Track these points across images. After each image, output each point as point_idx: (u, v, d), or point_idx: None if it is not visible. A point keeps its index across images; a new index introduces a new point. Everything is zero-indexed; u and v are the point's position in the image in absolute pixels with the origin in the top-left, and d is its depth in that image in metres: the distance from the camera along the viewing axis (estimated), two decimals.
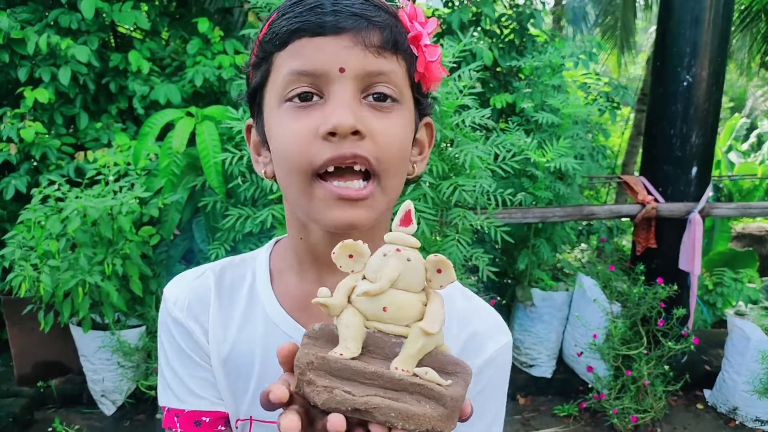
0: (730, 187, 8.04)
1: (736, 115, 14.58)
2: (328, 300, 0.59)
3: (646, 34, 14.64)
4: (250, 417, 0.88)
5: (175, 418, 0.90)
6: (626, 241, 6.55)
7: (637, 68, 14.77)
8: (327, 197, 0.73)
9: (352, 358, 0.58)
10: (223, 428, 0.90)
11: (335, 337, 0.60)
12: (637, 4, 9.94)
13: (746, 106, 17.30)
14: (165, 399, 0.92)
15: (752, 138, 13.79)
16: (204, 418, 0.89)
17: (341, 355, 0.58)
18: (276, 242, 0.96)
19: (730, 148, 11.72)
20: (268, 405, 0.58)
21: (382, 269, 0.58)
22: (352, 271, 0.61)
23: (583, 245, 4.94)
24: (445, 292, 0.90)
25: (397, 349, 0.59)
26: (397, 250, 0.59)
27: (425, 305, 0.59)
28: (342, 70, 0.72)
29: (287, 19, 0.74)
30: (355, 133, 0.71)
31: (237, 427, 0.90)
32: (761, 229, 6.93)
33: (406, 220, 0.60)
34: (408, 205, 0.61)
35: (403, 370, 0.57)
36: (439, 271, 0.59)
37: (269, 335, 0.86)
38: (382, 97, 0.74)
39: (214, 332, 0.89)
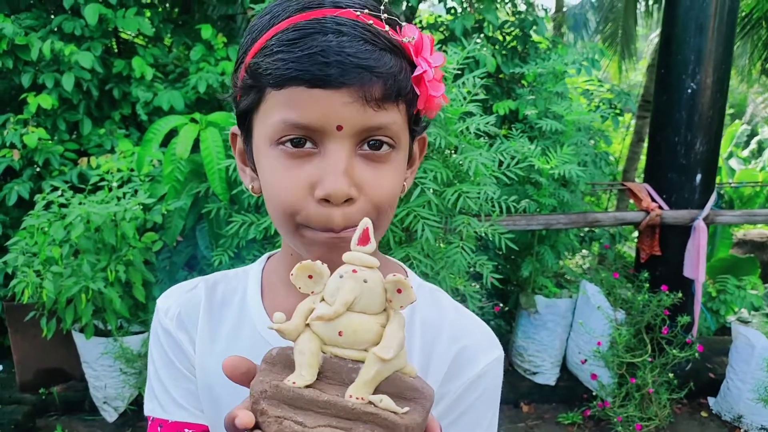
0: (730, 194, 8.05)
1: (737, 121, 14.60)
2: (282, 326, 0.58)
3: (646, 41, 14.67)
4: None
5: (159, 428, 0.91)
6: (627, 248, 6.55)
7: (637, 75, 14.80)
8: (315, 240, 0.74)
9: (307, 386, 0.56)
10: None
11: (292, 362, 0.59)
12: (638, 12, 9.96)
13: (747, 113, 17.32)
14: (150, 408, 0.93)
15: (753, 145, 13.82)
16: (186, 430, 0.90)
17: (294, 383, 0.56)
18: (269, 257, 0.96)
19: (730, 155, 11.73)
20: (233, 429, 0.57)
21: (338, 291, 0.57)
22: (312, 293, 0.60)
23: (585, 251, 4.93)
24: (438, 306, 0.92)
25: (353, 375, 0.57)
26: (354, 271, 0.57)
27: (384, 327, 0.57)
28: (340, 128, 0.69)
29: (284, 62, 0.68)
30: (348, 198, 0.70)
31: None
32: (762, 236, 6.92)
33: (364, 239, 0.58)
34: (365, 223, 0.59)
35: (357, 398, 0.56)
36: (399, 291, 0.57)
37: (257, 349, 0.85)
38: (377, 145, 0.72)
39: (201, 344, 0.89)
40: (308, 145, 0.71)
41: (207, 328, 0.90)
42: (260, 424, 0.56)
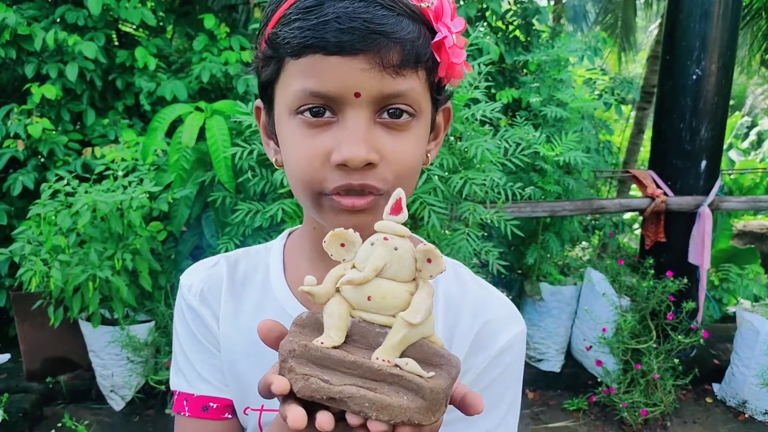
0: (730, 184, 8.06)
1: (737, 113, 14.61)
2: (312, 288, 0.59)
3: (646, 32, 14.65)
4: (262, 406, 0.88)
5: (185, 402, 0.92)
6: (627, 239, 6.56)
7: (636, 66, 14.79)
8: (335, 208, 0.74)
9: (334, 347, 0.58)
10: (229, 416, 0.92)
11: (322, 325, 0.60)
12: (637, 3, 9.94)
13: (746, 104, 17.31)
14: (176, 382, 0.94)
15: (752, 136, 13.81)
16: (212, 404, 0.91)
17: (322, 343, 0.58)
18: (290, 233, 0.97)
19: (730, 146, 11.74)
20: (268, 395, 0.58)
21: (368, 258, 0.58)
22: (344, 260, 0.60)
23: (585, 243, 4.93)
24: (460, 281, 0.93)
25: (380, 339, 0.58)
26: (385, 239, 0.58)
27: (413, 294, 0.58)
28: (357, 95, 0.69)
29: (300, 29, 0.68)
30: (367, 164, 0.70)
31: (246, 415, 0.90)
32: (762, 227, 6.93)
33: (396, 209, 0.59)
34: (399, 193, 0.60)
35: (383, 360, 0.56)
36: (429, 260, 0.58)
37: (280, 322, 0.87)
38: (397, 113, 0.72)
39: (225, 320, 0.91)
40: (327, 114, 0.71)
41: (230, 304, 0.91)
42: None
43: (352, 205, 0.72)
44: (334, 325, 0.59)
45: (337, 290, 0.59)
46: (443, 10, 0.72)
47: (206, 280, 0.93)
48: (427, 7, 0.71)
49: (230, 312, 0.91)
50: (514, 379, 0.90)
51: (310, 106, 0.71)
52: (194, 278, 0.94)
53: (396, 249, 0.57)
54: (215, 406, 0.91)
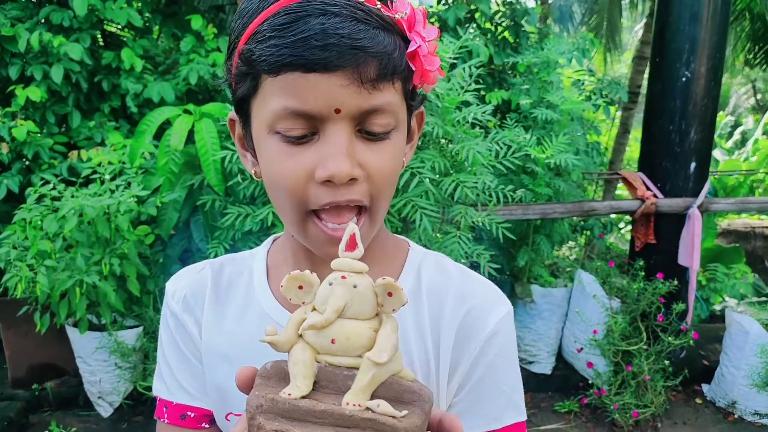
0: (714, 184, 8.11)
1: (721, 113, 14.74)
2: (274, 338, 0.58)
3: (631, 33, 14.74)
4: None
5: (165, 409, 0.94)
6: (614, 238, 6.58)
7: (622, 66, 14.88)
8: (320, 236, 0.74)
9: (303, 397, 0.56)
10: (206, 425, 0.93)
11: (287, 374, 0.58)
12: (622, 3, 10.00)
13: (730, 104, 17.49)
14: (158, 388, 0.96)
15: (736, 135, 13.95)
16: (189, 413, 0.92)
17: (290, 395, 0.56)
18: (274, 240, 0.97)
19: (714, 146, 11.82)
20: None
21: (328, 299, 0.56)
22: (303, 303, 0.59)
23: (572, 243, 4.94)
24: (442, 271, 0.92)
25: (349, 382, 0.56)
26: (343, 277, 0.56)
27: (377, 331, 0.57)
28: (338, 111, 0.68)
29: (277, 47, 0.67)
30: (351, 179, 0.70)
31: (228, 421, 0.90)
32: (746, 226, 6.98)
33: (351, 245, 0.58)
34: (352, 229, 0.59)
35: (354, 405, 0.55)
36: (389, 294, 0.56)
37: (262, 327, 0.86)
38: (377, 127, 0.72)
39: (207, 327, 0.91)
40: (308, 133, 0.70)
41: (213, 308, 0.91)
42: None
43: (339, 237, 0.72)
44: (299, 373, 0.57)
45: (300, 335, 0.58)
46: (415, 19, 0.72)
47: (190, 286, 0.93)
48: (401, 17, 0.71)
49: (213, 317, 0.91)
50: (510, 360, 0.90)
51: (294, 134, 0.70)
52: (179, 284, 0.94)
53: (355, 287, 0.56)
54: (193, 415, 0.92)
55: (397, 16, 0.71)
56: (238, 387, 0.62)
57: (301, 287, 0.59)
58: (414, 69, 0.73)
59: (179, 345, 0.92)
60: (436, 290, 0.88)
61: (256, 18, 0.70)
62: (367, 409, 0.55)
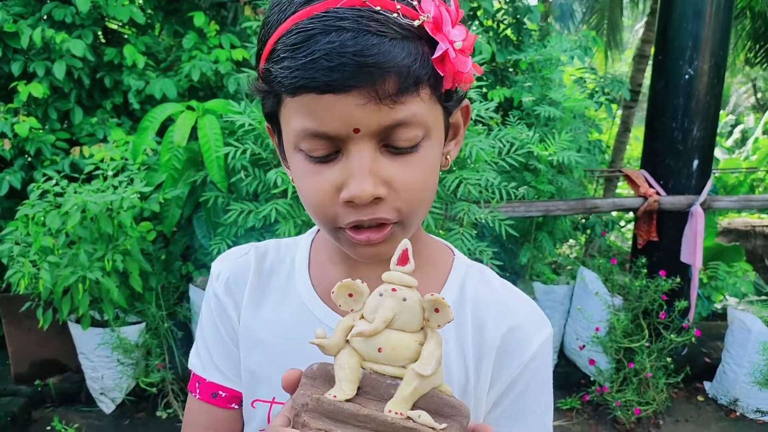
0: (715, 183, 8.11)
1: (721, 112, 14.74)
2: (323, 341, 0.60)
3: (632, 31, 14.74)
4: (273, 398, 0.89)
5: (197, 384, 0.95)
6: (614, 237, 6.58)
7: (622, 65, 14.88)
8: (350, 242, 0.74)
9: (347, 400, 0.58)
10: (235, 406, 0.94)
11: (333, 376, 0.60)
12: (623, 2, 9.99)
13: (730, 103, 17.50)
14: (193, 363, 0.97)
15: (736, 134, 13.96)
16: (221, 392, 0.93)
17: (335, 397, 0.58)
18: (318, 230, 0.96)
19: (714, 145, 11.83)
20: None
21: (377, 309, 0.58)
22: (352, 310, 0.61)
23: (572, 241, 4.94)
24: (488, 284, 0.92)
25: (392, 391, 0.58)
26: (393, 290, 0.58)
27: (422, 345, 0.59)
28: (357, 130, 0.67)
29: (289, 69, 0.65)
30: (376, 198, 0.69)
31: (254, 408, 0.91)
32: (746, 225, 6.99)
33: (403, 259, 0.60)
34: (405, 244, 0.60)
35: (396, 413, 0.57)
36: (436, 310, 0.58)
37: (301, 320, 0.87)
38: (401, 141, 0.69)
39: (246, 311, 0.91)
40: (330, 149, 0.69)
41: (254, 294, 0.92)
42: None
43: (367, 240, 0.73)
44: (345, 377, 0.59)
45: (347, 341, 0.60)
46: (442, 19, 0.68)
47: (233, 269, 0.94)
48: (424, 21, 0.67)
49: (253, 303, 0.92)
50: (546, 381, 0.90)
51: (316, 155, 0.70)
52: (223, 266, 0.95)
53: (404, 300, 0.58)
54: (224, 395, 0.93)
55: (417, 21, 0.66)
56: (283, 387, 0.63)
57: (351, 295, 0.61)
58: (443, 74, 0.69)
59: (218, 326, 0.94)
60: (480, 304, 0.88)
61: (274, 33, 0.69)
62: (408, 418, 0.57)
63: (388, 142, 0.69)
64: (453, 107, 0.78)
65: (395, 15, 0.66)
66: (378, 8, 0.65)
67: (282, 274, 0.93)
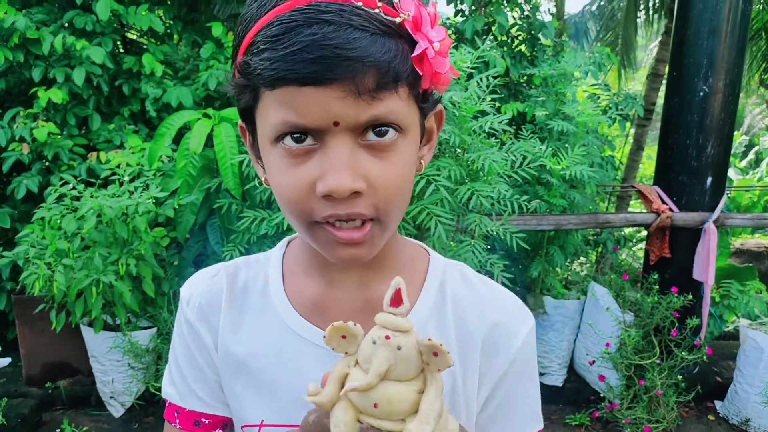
0: (727, 203, 8.06)
1: (735, 132, 14.68)
2: (316, 398, 0.57)
3: (646, 51, 14.75)
4: (261, 421, 0.87)
5: (176, 414, 0.91)
6: (625, 255, 6.55)
7: (636, 84, 14.89)
8: (329, 240, 0.72)
9: None
10: (220, 431, 0.91)
11: (329, 430, 0.58)
12: (638, 21, 10.00)
13: (744, 124, 17.42)
14: (169, 393, 0.93)
15: (751, 155, 13.89)
16: (204, 420, 0.90)
17: None
18: (289, 242, 0.95)
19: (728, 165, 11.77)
20: None
21: (371, 360, 0.56)
22: (346, 353, 0.59)
23: (583, 259, 4.92)
24: (467, 282, 0.91)
25: None
26: (387, 337, 0.55)
27: (421, 393, 0.56)
28: (336, 123, 0.66)
29: (270, 61, 0.65)
30: (354, 192, 0.68)
31: None
32: (759, 245, 6.94)
33: (396, 300, 0.57)
34: (398, 283, 0.57)
35: None
36: (435, 354, 0.55)
37: (282, 337, 0.86)
38: (381, 132, 0.69)
39: (224, 334, 0.89)
40: (308, 141, 0.69)
41: (230, 316, 0.89)
42: None
43: (349, 239, 0.71)
44: None
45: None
46: (422, 19, 0.69)
47: (205, 293, 0.91)
48: (405, 18, 0.67)
49: (230, 325, 0.89)
50: (533, 371, 0.91)
51: (292, 143, 0.69)
52: (193, 291, 0.92)
53: (399, 348, 0.55)
54: (207, 422, 0.91)
55: (399, 18, 0.67)
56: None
57: (344, 337, 0.58)
58: (422, 73, 0.70)
59: (193, 353, 0.91)
60: (460, 301, 0.88)
61: (252, 27, 0.68)
62: None
63: (365, 138, 0.69)
64: (428, 110, 0.78)
65: (377, 11, 0.66)
66: (360, 4, 0.65)
67: (256, 291, 0.90)
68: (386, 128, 0.69)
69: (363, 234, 0.71)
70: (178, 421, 0.91)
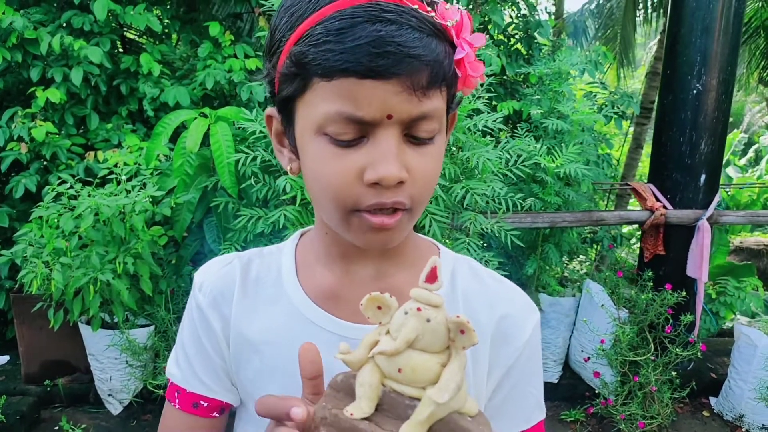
0: (727, 200, 8.08)
1: (735, 130, 14.68)
2: (346, 356, 0.60)
3: (644, 49, 14.76)
4: None
5: (176, 394, 0.94)
6: (624, 253, 6.57)
7: (635, 82, 14.88)
8: (363, 226, 0.75)
9: (364, 418, 0.58)
10: (217, 415, 0.93)
11: (355, 390, 0.60)
12: (636, 19, 10.01)
13: (743, 122, 17.42)
14: (173, 372, 0.95)
15: (750, 153, 13.89)
16: (202, 402, 0.92)
17: (351, 414, 0.58)
18: (302, 234, 0.97)
19: (727, 163, 11.79)
20: (282, 417, 0.61)
21: (401, 329, 0.58)
22: (380, 323, 0.60)
23: (582, 257, 4.94)
24: (476, 276, 0.94)
25: (409, 412, 0.57)
26: (418, 309, 0.57)
27: (444, 366, 0.58)
28: (390, 116, 0.69)
29: (332, 52, 0.67)
30: (399, 182, 0.72)
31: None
32: (759, 243, 6.96)
33: (431, 277, 0.59)
34: (434, 261, 0.59)
35: None
36: (462, 331, 0.57)
37: (295, 325, 0.87)
38: (426, 129, 0.73)
39: (236, 322, 0.90)
40: (358, 132, 0.71)
41: (242, 305, 0.91)
42: None
43: (381, 224, 0.74)
44: (365, 395, 0.59)
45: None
46: (463, 25, 0.73)
47: (218, 281, 0.93)
48: (451, 24, 0.72)
49: (243, 314, 0.91)
50: (538, 363, 0.94)
51: (345, 138, 0.71)
52: (206, 278, 0.94)
53: (428, 321, 0.57)
54: (206, 405, 0.93)
55: (448, 23, 0.71)
56: (300, 363, 0.65)
57: (379, 308, 0.60)
58: (459, 75, 0.74)
59: (201, 338, 0.92)
60: (470, 295, 0.90)
61: (307, 19, 0.70)
62: None
63: (410, 132, 0.72)
64: (452, 110, 0.82)
65: (430, 15, 0.70)
66: (416, 7, 0.69)
67: (269, 281, 0.92)
68: (431, 124, 0.73)
69: (395, 220, 0.74)
70: (178, 401, 0.93)
